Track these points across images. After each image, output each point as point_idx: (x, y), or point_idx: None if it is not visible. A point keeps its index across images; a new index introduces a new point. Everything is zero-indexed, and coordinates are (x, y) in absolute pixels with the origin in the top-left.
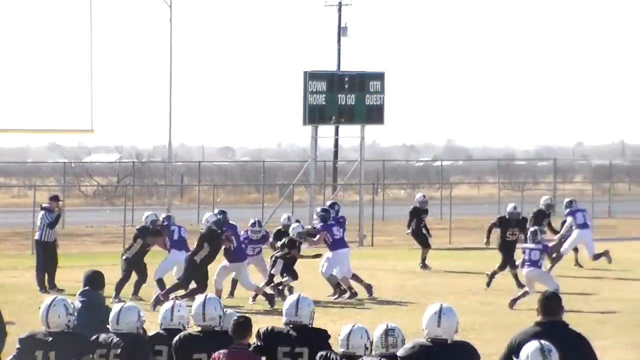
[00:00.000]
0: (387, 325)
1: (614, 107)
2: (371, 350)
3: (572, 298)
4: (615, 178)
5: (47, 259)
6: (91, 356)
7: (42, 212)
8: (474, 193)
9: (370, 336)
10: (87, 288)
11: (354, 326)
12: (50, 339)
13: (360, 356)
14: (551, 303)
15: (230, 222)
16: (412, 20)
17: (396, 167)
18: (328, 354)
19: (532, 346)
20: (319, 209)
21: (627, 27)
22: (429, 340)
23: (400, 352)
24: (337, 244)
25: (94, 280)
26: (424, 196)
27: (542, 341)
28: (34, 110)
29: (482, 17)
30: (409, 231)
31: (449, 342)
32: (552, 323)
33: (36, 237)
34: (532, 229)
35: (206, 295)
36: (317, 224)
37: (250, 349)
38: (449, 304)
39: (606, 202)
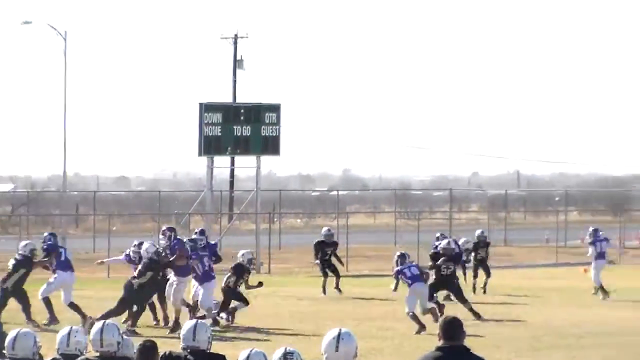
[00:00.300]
0: (286, 349)
1: (509, 137)
2: None
3: (469, 323)
4: (510, 207)
5: None
6: None
7: None
8: (371, 222)
9: None
10: None
11: (251, 351)
12: None
13: None
14: (453, 327)
15: (178, 237)
16: (307, 53)
17: (292, 196)
18: None
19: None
20: (186, 238)
21: (519, 57)
22: None
23: None
24: (207, 275)
25: None
26: (329, 230)
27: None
28: None
29: (371, 47)
30: (317, 261)
31: None
32: (453, 348)
33: None
34: (398, 253)
35: (104, 322)
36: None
37: None
38: (348, 329)
39: (502, 230)
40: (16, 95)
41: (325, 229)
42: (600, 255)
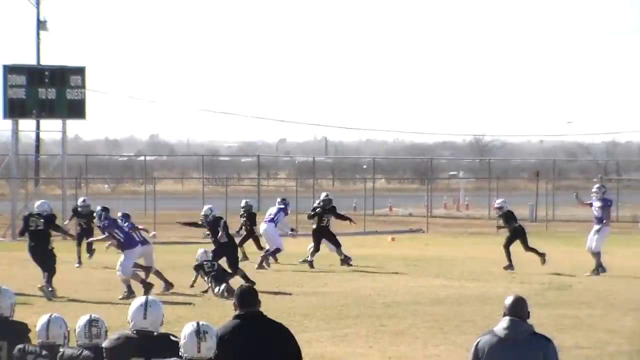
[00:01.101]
0: (91, 316)
1: (316, 104)
2: (69, 340)
3: (277, 295)
4: (318, 174)
5: None
6: None
7: None
8: (178, 188)
9: (69, 326)
10: None
11: (51, 316)
12: None
13: (60, 345)
14: (247, 296)
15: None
16: (113, 14)
17: (99, 161)
18: (25, 347)
19: (188, 328)
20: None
21: (326, 24)
22: (134, 332)
23: (105, 344)
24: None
25: None
26: (84, 200)
27: (200, 322)
28: None
29: (177, 8)
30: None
31: (154, 334)
32: (250, 314)
33: None
34: (120, 213)
35: None
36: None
37: None
38: (154, 297)
39: (310, 198)
40: None
41: (80, 199)
42: None
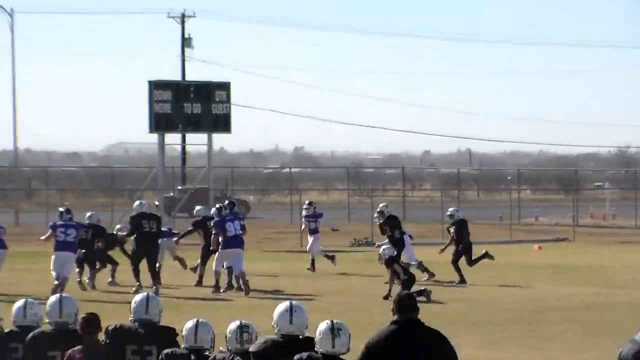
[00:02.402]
0: (241, 322)
1: (460, 117)
2: (214, 344)
3: (424, 300)
4: (464, 185)
5: None
6: None
7: None
8: (324, 199)
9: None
10: None
11: (198, 321)
12: None
13: (207, 349)
14: (407, 302)
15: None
16: (254, 30)
17: (244, 173)
18: (174, 351)
19: (323, 325)
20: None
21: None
22: (280, 336)
23: (252, 348)
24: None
25: None
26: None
27: (335, 320)
28: None
29: (319, 17)
30: None
31: (300, 337)
32: (408, 321)
33: None
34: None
35: (61, 294)
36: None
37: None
38: (297, 302)
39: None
40: None
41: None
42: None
